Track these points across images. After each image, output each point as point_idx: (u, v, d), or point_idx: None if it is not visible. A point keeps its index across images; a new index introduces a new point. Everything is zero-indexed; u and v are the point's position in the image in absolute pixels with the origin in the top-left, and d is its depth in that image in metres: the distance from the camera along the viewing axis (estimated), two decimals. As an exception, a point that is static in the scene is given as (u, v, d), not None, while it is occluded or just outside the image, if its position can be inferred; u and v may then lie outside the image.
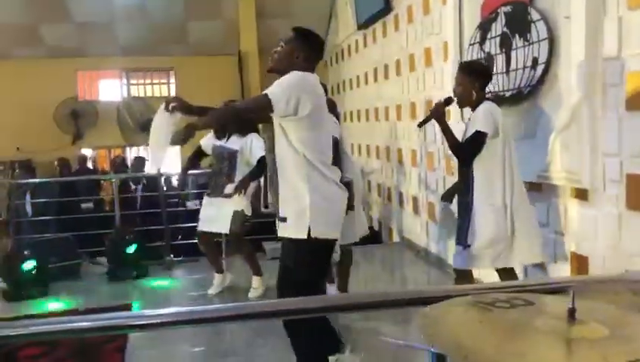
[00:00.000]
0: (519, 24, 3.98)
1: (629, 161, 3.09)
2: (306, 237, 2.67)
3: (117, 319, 1.57)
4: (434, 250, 5.85)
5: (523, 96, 3.96)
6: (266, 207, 4.09)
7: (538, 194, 3.87)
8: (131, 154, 10.29)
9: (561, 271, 3.70)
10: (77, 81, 11.72)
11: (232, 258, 5.28)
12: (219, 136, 4.83)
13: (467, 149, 3.40)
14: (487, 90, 3.60)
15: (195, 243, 6.32)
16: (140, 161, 8.39)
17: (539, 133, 3.84)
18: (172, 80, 11.99)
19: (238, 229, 4.81)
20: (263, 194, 4.50)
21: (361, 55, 8.61)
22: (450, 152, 3.60)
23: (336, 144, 4.01)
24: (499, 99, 4.26)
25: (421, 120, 3.76)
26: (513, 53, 4.08)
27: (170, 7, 10.38)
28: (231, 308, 1.73)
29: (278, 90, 2.65)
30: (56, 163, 8.83)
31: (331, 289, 4.32)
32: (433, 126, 5.57)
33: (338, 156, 4.14)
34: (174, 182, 8.27)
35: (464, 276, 3.50)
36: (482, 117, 3.35)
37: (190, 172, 5.54)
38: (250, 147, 4.67)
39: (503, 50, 4.21)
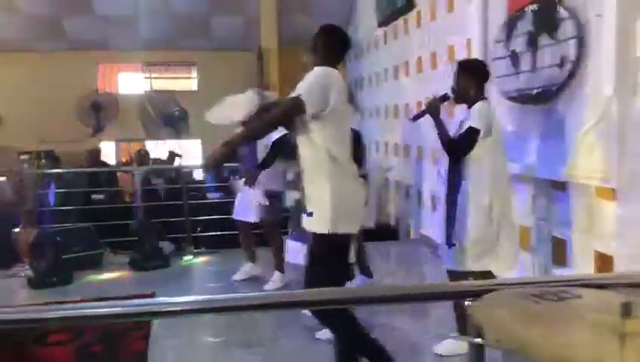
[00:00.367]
0: (547, 22, 3.97)
1: (658, 160, 3.08)
2: (327, 231, 2.76)
3: (141, 306, 1.62)
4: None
5: (550, 95, 3.95)
6: None
7: (562, 193, 3.86)
8: (154, 147, 10.37)
9: (585, 271, 3.69)
10: (98, 74, 11.82)
11: (260, 249, 5.29)
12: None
13: (459, 145, 3.40)
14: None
15: (216, 235, 6.42)
16: (172, 156, 8.43)
17: (565, 131, 3.83)
18: (194, 74, 12.04)
19: (269, 219, 4.84)
20: None
21: (382, 52, 8.60)
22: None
23: (357, 136, 4.04)
24: (525, 98, 4.27)
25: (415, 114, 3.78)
26: (540, 52, 4.07)
27: (194, 1, 10.43)
28: (252, 298, 1.76)
29: (306, 89, 2.72)
30: (85, 154, 8.93)
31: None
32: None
33: (359, 148, 4.16)
34: (195, 175, 8.32)
35: (456, 279, 3.35)
36: (477, 114, 3.37)
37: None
38: None
39: (530, 48, 4.20)
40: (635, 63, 3.19)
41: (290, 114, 2.81)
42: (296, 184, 4.15)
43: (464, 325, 3.36)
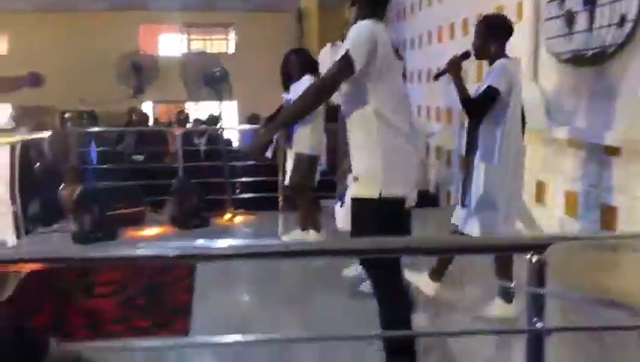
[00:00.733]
0: (607, -22, 3.77)
1: None
2: (377, 196, 2.56)
3: (187, 249, 1.62)
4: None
5: (607, 56, 3.78)
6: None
7: (616, 158, 3.72)
8: (193, 109, 10.41)
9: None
10: (139, 35, 11.87)
11: (289, 213, 5.28)
12: (286, 85, 4.80)
13: (477, 105, 3.33)
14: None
15: (254, 197, 6.45)
16: (214, 118, 8.47)
17: (622, 94, 3.67)
18: (231, 36, 11.99)
19: (297, 180, 4.73)
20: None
21: (426, 13, 8.38)
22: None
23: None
24: (578, 59, 4.10)
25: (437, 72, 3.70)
26: (598, 10, 3.88)
27: (233, -39, 10.34)
28: (296, 245, 1.73)
29: (351, 46, 2.55)
30: (133, 116, 9.04)
31: None
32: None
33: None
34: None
35: None
36: (497, 73, 3.30)
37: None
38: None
39: (586, 7, 4.01)
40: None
41: (340, 78, 2.61)
42: (334, 147, 4.09)
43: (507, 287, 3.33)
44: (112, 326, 3.30)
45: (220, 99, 6.21)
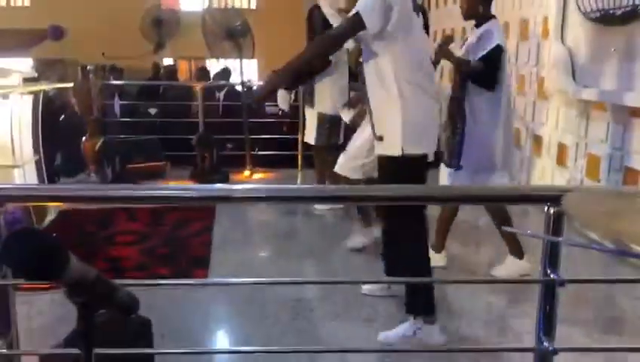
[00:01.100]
0: None
1: None
2: (400, 153, 2.58)
3: (210, 191, 1.67)
4: (517, 177, 5.70)
5: (637, 15, 3.67)
6: None
7: (641, 120, 3.66)
8: (212, 65, 10.38)
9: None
10: (160, -11, 11.80)
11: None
12: (311, 40, 4.74)
13: (490, 68, 3.29)
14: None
15: (273, 154, 6.48)
16: (226, 72, 8.43)
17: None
18: (253, -8, 11.87)
19: (321, 141, 4.71)
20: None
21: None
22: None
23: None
24: (608, 18, 4.00)
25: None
26: (630, -33, 3.76)
27: None
28: (316, 189, 1.74)
29: (364, 6, 2.49)
30: (161, 69, 9.04)
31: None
32: (529, 48, 5.33)
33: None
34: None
35: None
36: (497, 32, 3.34)
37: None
38: None
39: (619, -37, 3.89)
40: None
41: (350, 33, 2.61)
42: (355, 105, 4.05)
43: (516, 245, 3.35)
44: (133, 273, 3.39)
45: (241, 54, 6.15)
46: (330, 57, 4.23)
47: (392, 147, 2.60)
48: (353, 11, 2.54)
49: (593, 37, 4.26)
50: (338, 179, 4.86)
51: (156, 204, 3.49)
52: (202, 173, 5.91)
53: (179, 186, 1.61)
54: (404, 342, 2.64)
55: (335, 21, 4.08)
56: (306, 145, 5.07)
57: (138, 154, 5.96)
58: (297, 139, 5.49)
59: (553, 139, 4.91)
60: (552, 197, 1.39)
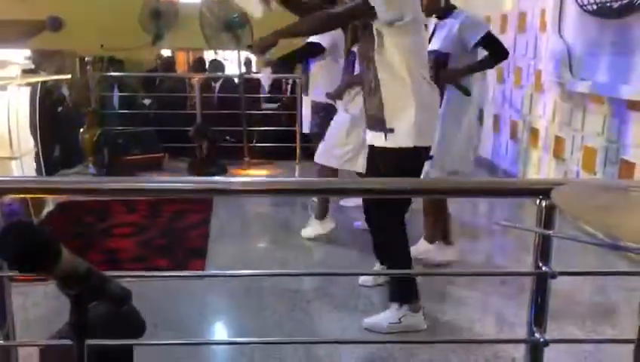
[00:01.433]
0: None
1: None
2: (412, 145, 2.62)
3: (207, 183, 1.66)
4: (513, 169, 5.72)
5: (635, 7, 3.68)
6: None
7: (637, 113, 3.67)
8: (210, 57, 10.36)
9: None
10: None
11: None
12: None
13: (501, 54, 3.40)
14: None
15: (271, 146, 6.48)
16: (217, 63, 8.43)
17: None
18: (251, -17, 11.81)
19: (314, 129, 4.69)
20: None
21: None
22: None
23: None
24: (605, 11, 4.00)
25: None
26: (628, -41, 3.75)
27: None
28: (312, 182, 1.75)
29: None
30: (158, 61, 9.03)
31: None
32: (527, 41, 5.34)
33: None
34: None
35: None
36: (478, 21, 3.47)
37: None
38: None
39: (617, -45, 3.88)
40: None
41: (355, 17, 2.67)
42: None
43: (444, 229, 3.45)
44: (131, 265, 3.40)
45: (239, 45, 6.15)
46: (324, 45, 4.23)
47: (405, 139, 2.64)
48: None
49: (590, 30, 4.26)
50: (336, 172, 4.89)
51: (154, 196, 3.51)
52: (200, 165, 5.92)
53: (176, 179, 1.62)
54: (391, 328, 2.66)
55: None
56: (306, 138, 5.07)
57: (136, 146, 5.97)
58: (295, 131, 5.51)
59: (550, 131, 4.92)
60: (543, 191, 1.41)
